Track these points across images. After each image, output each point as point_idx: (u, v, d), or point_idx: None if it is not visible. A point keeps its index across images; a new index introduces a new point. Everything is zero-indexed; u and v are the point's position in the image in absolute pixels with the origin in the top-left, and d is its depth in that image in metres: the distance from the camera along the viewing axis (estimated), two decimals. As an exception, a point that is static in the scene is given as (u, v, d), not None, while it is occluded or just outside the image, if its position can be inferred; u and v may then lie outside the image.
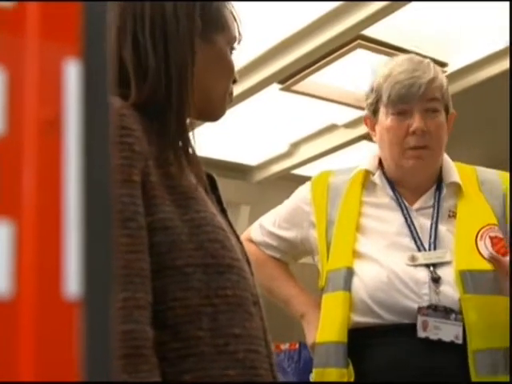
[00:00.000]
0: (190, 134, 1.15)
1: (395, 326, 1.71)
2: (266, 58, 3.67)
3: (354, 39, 3.47)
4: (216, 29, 1.22)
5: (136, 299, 0.95)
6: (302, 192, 1.99)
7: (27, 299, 0.40)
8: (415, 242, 1.79)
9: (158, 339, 0.98)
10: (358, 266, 1.78)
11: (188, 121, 1.16)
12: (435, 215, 1.83)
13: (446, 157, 1.94)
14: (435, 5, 3.20)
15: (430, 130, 1.82)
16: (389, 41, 3.51)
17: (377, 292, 1.73)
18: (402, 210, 1.85)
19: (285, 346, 4.94)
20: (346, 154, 4.71)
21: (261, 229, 2.03)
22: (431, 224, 1.82)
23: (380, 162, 1.93)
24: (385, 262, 1.75)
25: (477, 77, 3.82)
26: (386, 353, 1.72)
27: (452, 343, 1.69)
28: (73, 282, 0.40)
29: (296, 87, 4.00)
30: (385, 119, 1.86)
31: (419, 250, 1.77)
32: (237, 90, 3.74)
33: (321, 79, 3.92)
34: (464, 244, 1.77)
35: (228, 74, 1.25)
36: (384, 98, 1.84)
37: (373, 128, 1.93)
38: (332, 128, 4.66)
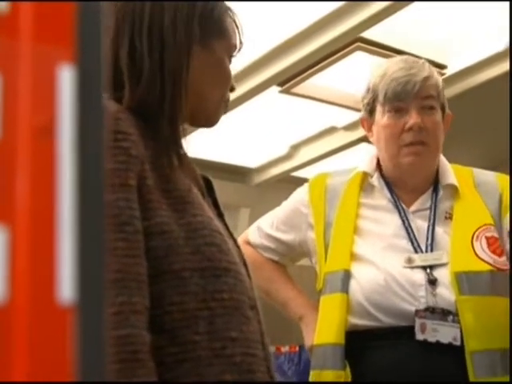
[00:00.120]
0: (185, 138, 1.15)
1: (393, 328, 1.71)
2: (266, 61, 3.67)
3: (353, 41, 3.47)
4: (215, 36, 1.22)
5: (132, 304, 0.95)
6: (300, 194, 1.99)
7: (21, 305, 0.40)
8: (412, 244, 1.79)
9: (155, 344, 0.98)
10: (356, 269, 1.78)
11: (183, 125, 1.16)
12: (432, 217, 1.84)
13: (442, 158, 1.94)
14: (434, 7, 3.21)
15: (427, 127, 1.83)
16: (388, 43, 3.52)
17: (373, 295, 1.73)
18: (400, 212, 1.85)
19: (285, 349, 4.95)
20: (345, 156, 4.71)
21: (258, 231, 2.03)
22: (428, 226, 1.82)
23: (378, 164, 1.94)
24: (382, 265, 1.76)
25: (476, 79, 3.82)
26: (384, 355, 1.72)
27: (450, 345, 1.69)
28: (66, 287, 0.40)
29: (295, 89, 4.00)
30: (381, 118, 1.86)
31: (416, 251, 1.78)
32: (236, 92, 3.74)
33: (320, 81, 3.92)
34: (460, 245, 1.77)
35: (224, 82, 1.24)
36: (380, 97, 1.85)
37: (370, 129, 1.94)
38: (331, 130, 4.67)
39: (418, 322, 1.69)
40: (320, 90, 4.02)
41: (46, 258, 0.40)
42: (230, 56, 1.27)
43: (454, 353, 1.68)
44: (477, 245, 1.76)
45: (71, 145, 0.42)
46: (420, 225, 1.83)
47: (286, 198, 2.06)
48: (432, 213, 1.84)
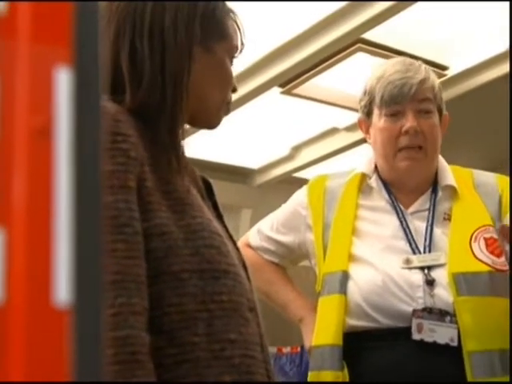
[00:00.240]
0: (184, 140, 1.15)
1: (390, 329, 1.72)
2: (267, 62, 3.67)
3: (354, 43, 3.47)
4: (217, 38, 1.21)
5: (131, 305, 0.95)
6: (299, 196, 2.00)
7: (17, 306, 0.39)
8: (410, 245, 1.79)
9: (153, 345, 0.98)
10: (354, 270, 1.78)
11: (183, 127, 1.16)
12: (430, 218, 1.84)
13: (441, 160, 1.94)
14: (436, 8, 3.20)
15: (424, 130, 1.83)
16: (389, 44, 3.52)
17: (371, 296, 1.73)
18: (398, 214, 1.85)
19: (286, 350, 4.96)
20: (347, 157, 4.71)
21: (259, 234, 2.03)
22: (426, 227, 1.82)
23: (376, 165, 1.94)
24: (380, 266, 1.76)
25: (478, 80, 3.82)
26: (382, 356, 1.72)
27: (447, 346, 1.69)
28: (63, 289, 0.40)
29: (297, 91, 4.00)
30: (378, 120, 1.87)
31: (414, 253, 1.78)
32: (237, 93, 3.74)
33: (322, 83, 3.92)
34: (458, 246, 1.77)
35: (226, 84, 1.24)
36: (377, 99, 1.85)
37: (367, 131, 1.94)
38: (333, 131, 4.67)
39: (414, 322, 1.69)
40: (321, 91, 4.02)
41: (43, 260, 0.40)
42: (232, 57, 1.26)
43: (451, 353, 1.68)
44: (475, 246, 1.76)
45: (68, 146, 0.42)
46: (418, 226, 1.83)
47: (287, 198, 2.06)
48: (430, 214, 1.84)
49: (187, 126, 1.23)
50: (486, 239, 1.77)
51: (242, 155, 5.03)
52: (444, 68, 3.79)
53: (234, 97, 1.32)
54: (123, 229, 0.98)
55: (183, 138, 1.16)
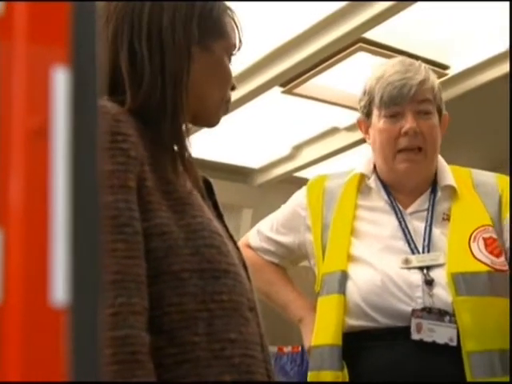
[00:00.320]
0: (188, 138, 1.15)
1: (390, 329, 1.72)
2: (268, 61, 3.67)
3: (355, 42, 3.47)
4: (215, 37, 1.21)
5: (131, 305, 0.95)
6: (298, 197, 2.00)
7: (14, 306, 0.40)
8: (409, 245, 1.79)
9: (154, 344, 0.98)
10: (353, 270, 1.78)
11: (185, 126, 1.16)
12: (429, 218, 1.84)
13: (440, 159, 1.94)
14: (436, 7, 3.20)
15: (423, 131, 1.82)
16: (390, 44, 3.51)
17: (370, 295, 1.73)
18: (397, 214, 1.85)
19: (287, 349, 4.95)
20: (347, 157, 4.70)
21: (258, 234, 2.03)
22: (425, 227, 1.82)
23: (375, 166, 1.94)
24: (379, 266, 1.76)
25: (478, 80, 3.81)
26: (381, 356, 1.72)
27: (446, 345, 1.69)
28: (60, 289, 0.40)
29: (297, 90, 4.00)
30: (377, 121, 1.86)
31: (413, 253, 1.78)
32: (238, 93, 3.76)
33: (322, 82, 3.92)
34: (457, 246, 1.77)
35: (225, 82, 1.24)
36: (376, 100, 1.85)
37: (366, 131, 1.94)
38: (334, 131, 4.66)
39: (413, 322, 1.69)
40: (322, 90, 4.02)
41: (40, 260, 0.40)
42: (230, 55, 1.26)
43: (450, 353, 1.68)
44: (474, 246, 1.76)
45: (65, 146, 0.42)
46: (417, 226, 1.83)
47: (288, 198, 2.07)
48: (429, 214, 1.84)
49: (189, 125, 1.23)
50: (484, 239, 1.77)
51: (242, 155, 5.03)
52: (445, 67, 3.79)
53: (235, 96, 1.32)
54: (123, 229, 0.98)
55: (188, 137, 1.16)
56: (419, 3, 3.12)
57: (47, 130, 0.42)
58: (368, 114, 1.90)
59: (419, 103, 1.83)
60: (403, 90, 1.81)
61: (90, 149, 0.43)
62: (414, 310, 1.70)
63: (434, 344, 1.69)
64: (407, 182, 1.88)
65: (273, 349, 4.82)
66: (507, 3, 2.69)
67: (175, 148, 1.14)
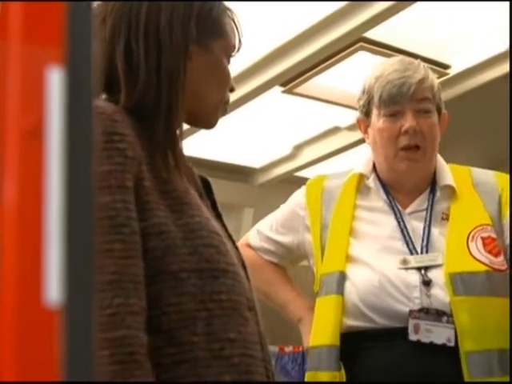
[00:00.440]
0: (182, 138, 1.15)
1: (387, 329, 1.71)
2: (268, 61, 3.67)
3: (356, 41, 3.47)
4: (214, 37, 1.21)
5: (129, 305, 0.95)
6: (297, 196, 2.00)
7: (8, 306, 0.39)
8: (407, 246, 1.79)
9: (152, 344, 0.98)
10: (351, 270, 1.78)
11: (181, 126, 1.16)
12: (428, 218, 1.83)
13: (439, 159, 1.93)
14: (437, 7, 3.20)
15: (423, 130, 1.82)
16: (391, 43, 3.51)
17: (368, 296, 1.73)
18: (395, 214, 1.84)
19: (289, 349, 4.95)
20: (348, 156, 4.70)
21: (258, 234, 2.03)
22: (424, 227, 1.82)
23: (374, 166, 1.93)
24: (377, 266, 1.76)
25: (478, 80, 3.81)
26: (379, 356, 1.72)
27: (444, 346, 1.68)
28: (53, 289, 0.40)
29: (298, 90, 4.00)
30: (377, 121, 1.86)
31: (411, 253, 1.78)
32: (239, 92, 3.76)
33: (323, 82, 3.92)
34: (455, 246, 1.77)
35: (223, 83, 1.24)
36: (375, 99, 1.85)
37: (366, 131, 1.93)
38: (335, 130, 4.66)
39: (411, 323, 1.69)
40: (323, 90, 4.02)
41: (34, 260, 0.40)
42: (229, 56, 1.26)
43: (448, 354, 1.68)
44: (472, 245, 1.75)
45: (60, 147, 0.42)
46: (416, 226, 1.83)
47: (289, 198, 2.06)
48: (428, 214, 1.84)
49: (187, 126, 1.23)
50: (483, 238, 1.76)
51: (243, 154, 5.03)
52: (446, 67, 3.78)
53: (236, 96, 1.31)
54: (120, 229, 0.98)
55: (181, 137, 1.16)
56: (419, 3, 3.12)
57: (42, 130, 0.42)
58: (367, 113, 1.90)
59: (418, 102, 1.83)
60: (402, 88, 1.81)
61: (84, 149, 0.43)
62: (411, 311, 1.69)
63: (431, 344, 1.69)
64: (407, 181, 1.87)
65: (274, 348, 4.82)
66: (507, 3, 2.69)
67: (169, 148, 1.13)
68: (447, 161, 1.96)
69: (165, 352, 1.01)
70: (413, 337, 1.69)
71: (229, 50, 1.25)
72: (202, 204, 1.14)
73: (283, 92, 4.03)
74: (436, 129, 1.86)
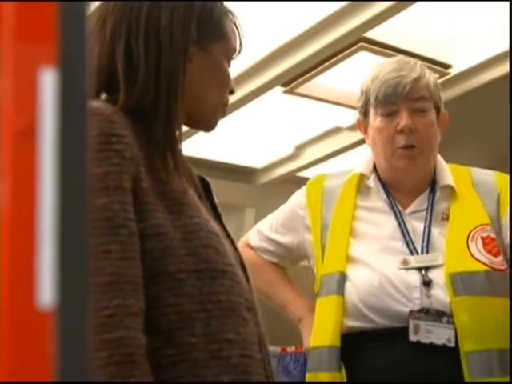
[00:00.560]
0: (181, 139, 1.15)
1: (387, 330, 1.71)
2: (269, 61, 3.67)
3: (356, 41, 3.46)
4: (214, 39, 1.21)
5: (127, 306, 0.95)
6: (298, 196, 2.00)
7: (1, 308, 0.39)
8: (408, 246, 1.79)
9: (151, 345, 0.98)
10: (351, 271, 1.78)
11: (180, 127, 1.15)
12: (428, 218, 1.83)
13: (439, 159, 1.93)
14: (437, 7, 3.20)
15: (418, 129, 1.82)
16: (392, 43, 3.51)
17: (368, 296, 1.72)
18: (396, 214, 1.84)
19: (291, 349, 4.94)
20: (350, 156, 4.70)
21: (258, 234, 2.03)
22: (424, 227, 1.82)
23: (375, 166, 1.93)
24: (377, 267, 1.76)
25: (478, 80, 3.81)
26: (379, 357, 1.72)
27: (444, 346, 1.68)
28: (47, 291, 0.40)
29: (299, 90, 3.99)
30: (374, 120, 1.86)
31: (411, 253, 1.77)
32: (240, 93, 3.76)
33: (324, 82, 3.92)
34: (455, 246, 1.77)
35: (223, 85, 1.24)
36: (372, 99, 1.85)
37: (365, 131, 1.94)
38: (336, 131, 4.66)
39: (411, 323, 1.69)
40: (324, 90, 4.02)
41: (27, 262, 0.40)
42: (229, 58, 1.26)
43: (448, 354, 1.68)
44: (472, 245, 1.75)
45: (53, 148, 0.42)
46: (416, 226, 1.83)
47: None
48: (428, 214, 1.84)
49: (186, 128, 1.23)
50: (483, 238, 1.76)
51: (245, 154, 5.03)
52: (447, 66, 3.78)
53: (237, 96, 1.31)
54: (118, 230, 0.98)
55: (181, 138, 1.16)
56: (420, 3, 3.12)
57: (34, 131, 0.42)
58: (365, 114, 1.91)
59: (414, 101, 1.83)
60: (397, 88, 1.81)
61: (77, 150, 0.43)
62: (411, 311, 1.69)
63: (431, 345, 1.69)
64: (406, 180, 1.87)
65: (276, 349, 4.81)
66: (507, 3, 2.69)
67: (168, 149, 1.12)
68: (447, 161, 1.96)
69: (163, 353, 1.01)
70: (413, 337, 1.68)
71: (229, 52, 1.25)
72: (201, 205, 1.14)
73: (284, 92, 4.03)
74: (433, 128, 1.86)
